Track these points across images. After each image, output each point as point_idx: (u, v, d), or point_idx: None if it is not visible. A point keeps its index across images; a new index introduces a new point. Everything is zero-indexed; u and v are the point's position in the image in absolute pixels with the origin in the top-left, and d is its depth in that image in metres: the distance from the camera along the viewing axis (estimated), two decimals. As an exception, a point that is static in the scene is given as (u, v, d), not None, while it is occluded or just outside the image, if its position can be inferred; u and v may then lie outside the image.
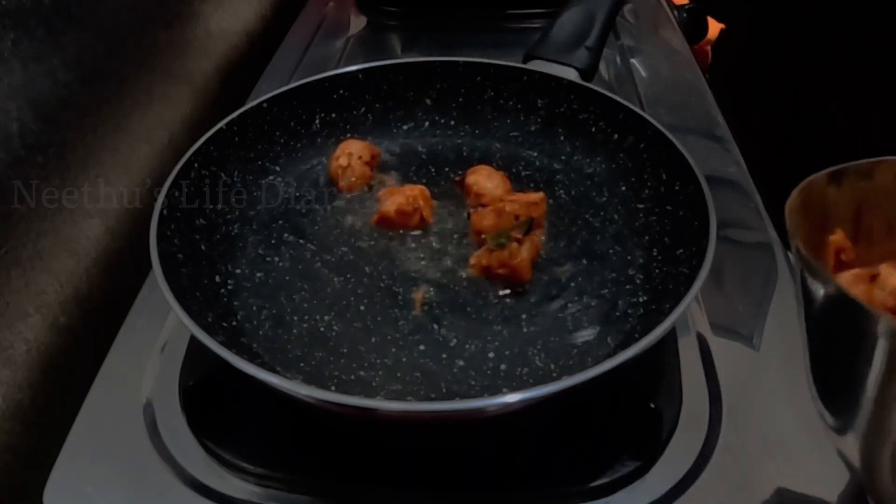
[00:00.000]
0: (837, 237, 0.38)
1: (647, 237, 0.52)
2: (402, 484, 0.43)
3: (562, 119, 0.61)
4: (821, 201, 0.37)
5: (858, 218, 0.39)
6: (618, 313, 0.48)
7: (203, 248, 0.50)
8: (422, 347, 0.46)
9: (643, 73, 0.81)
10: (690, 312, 0.51)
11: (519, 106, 0.63)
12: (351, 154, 0.58)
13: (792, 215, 0.35)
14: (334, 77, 0.61)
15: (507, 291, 0.49)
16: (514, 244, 0.50)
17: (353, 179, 0.58)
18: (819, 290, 0.32)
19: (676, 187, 0.51)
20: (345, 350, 0.46)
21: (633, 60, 0.84)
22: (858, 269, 0.37)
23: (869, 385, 0.31)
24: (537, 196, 0.54)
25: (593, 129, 0.60)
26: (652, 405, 0.44)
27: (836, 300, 0.31)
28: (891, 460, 0.31)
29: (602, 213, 0.56)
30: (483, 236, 0.52)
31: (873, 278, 0.36)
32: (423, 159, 0.62)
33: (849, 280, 0.36)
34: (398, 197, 0.54)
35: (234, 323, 0.48)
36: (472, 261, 0.51)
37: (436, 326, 0.47)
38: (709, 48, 1.17)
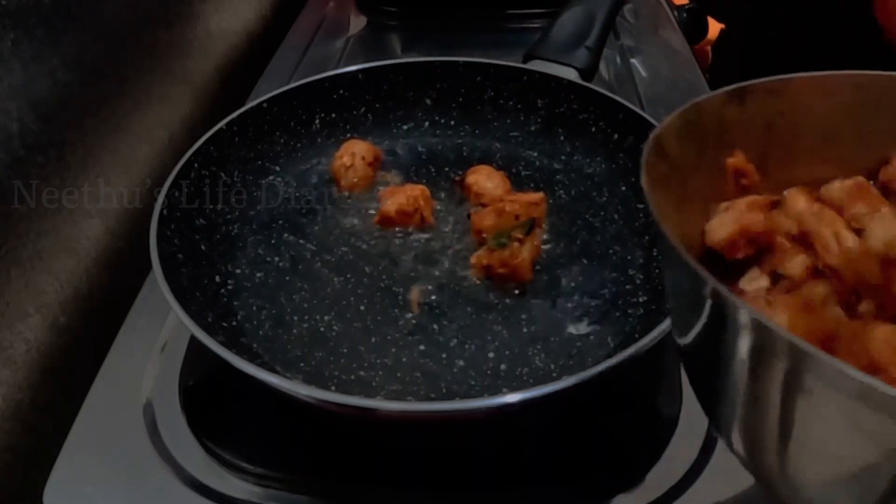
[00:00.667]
0: (736, 160, 0.34)
1: (647, 237, 0.52)
2: (402, 484, 0.43)
3: (562, 119, 0.61)
4: (718, 122, 0.33)
5: (766, 141, 0.34)
6: (618, 313, 0.48)
7: (203, 248, 0.50)
8: (422, 347, 0.46)
9: (643, 73, 0.81)
10: (690, 312, 0.51)
11: (519, 106, 0.63)
12: (354, 154, 0.58)
13: (658, 149, 0.30)
14: (334, 77, 0.61)
15: (507, 291, 0.49)
16: (516, 244, 0.50)
17: (356, 180, 0.58)
18: (671, 257, 0.27)
19: (676, 187, 0.51)
20: (345, 350, 0.46)
21: (633, 60, 0.84)
22: (757, 195, 0.33)
23: (738, 381, 0.26)
24: (537, 196, 0.54)
25: (593, 129, 0.60)
26: (652, 405, 0.44)
27: (691, 276, 0.25)
28: (776, 453, 0.26)
29: (602, 213, 0.56)
30: (484, 236, 0.52)
31: (774, 205, 0.32)
32: (423, 159, 0.62)
33: (742, 208, 0.32)
34: (399, 197, 0.54)
35: (234, 323, 0.48)
36: (473, 260, 0.51)
37: (436, 326, 0.47)
38: (709, 48, 1.17)
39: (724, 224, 0.32)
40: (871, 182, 0.34)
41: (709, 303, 0.25)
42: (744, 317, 0.23)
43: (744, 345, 0.24)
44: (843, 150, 0.35)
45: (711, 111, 0.33)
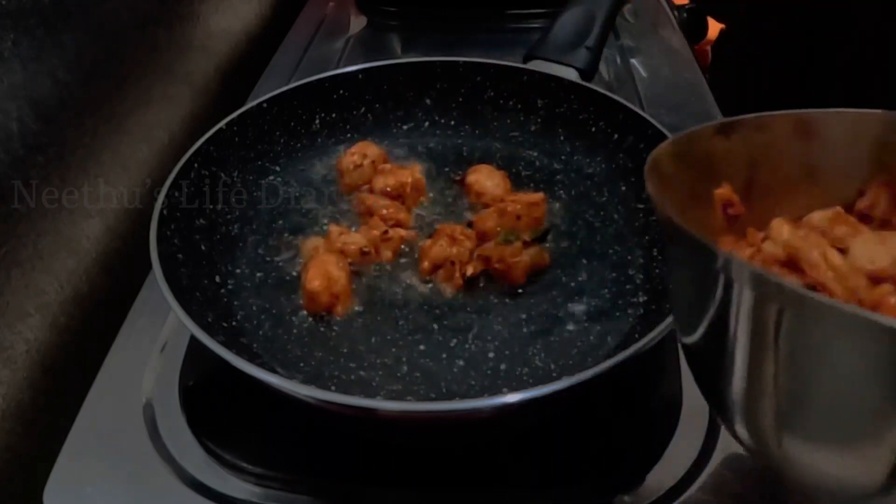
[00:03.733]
0: (724, 191, 0.36)
1: (647, 237, 0.52)
2: (402, 484, 0.43)
3: (562, 119, 0.61)
4: (706, 154, 0.36)
5: (751, 173, 0.37)
6: (618, 313, 0.48)
7: (203, 248, 0.50)
8: (422, 347, 0.46)
9: (643, 73, 0.81)
10: (690, 312, 0.51)
11: (519, 106, 0.63)
12: (366, 156, 0.58)
13: (656, 167, 0.33)
14: (334, 77, 0.61)
15: (507, 291, 0.49)
16: (519, 243, 0.50)
17: (360, 182, 0.58)
18: (672, 239, 0.30)
19: (676, 187, 0.51)
20: (345, 350, 0.46)
21: (633, 60, 0.84)
22: (747, 230, 0.35)
23: (738, 348, 0.28)
24: (537, 196, 0.54)
25: (593, 129, 0.60)
26: (652, 405, 0.44)
27: (689, 245, 0.28)
28: (774, 424, 0.29)
29: (602, 213, 0.56)
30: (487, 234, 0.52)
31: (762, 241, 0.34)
32: (424, 159, 0.62)
33: (729, 244, 0.35)
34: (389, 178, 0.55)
35: (234, 323, 0.48)
36: (477, 251, 0.50)
37: (436, 326, 0.47)
38: (709, 48, 1.17)
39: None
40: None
41: (720, 276, 0.27)
42: (746, 272, 0.26)
43: (746, 302, 0.26)
44: (822, 184, 0.37)
45: (702, 142, 0.36)
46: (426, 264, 0.50)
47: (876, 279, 0.30)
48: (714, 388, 0.32)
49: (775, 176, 0.37)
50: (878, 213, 0.36)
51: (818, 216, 0.35)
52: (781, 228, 0.34)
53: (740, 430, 0.30)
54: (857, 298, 0.30)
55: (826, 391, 0.26)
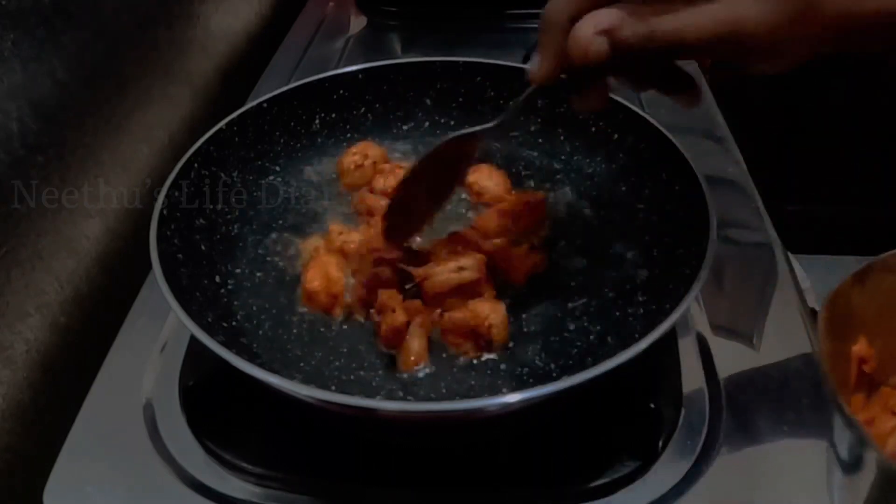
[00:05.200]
0: (860, 347, 0.36)
1: (647, 237, 0.52)
2: (402, 484, 0.43)
3: (562, 119, 0.61)
4: (846, 307, 0.36)
5: (882, 318, 0.37)
6: (618, 313, 0.48)
7: (203, 248, 0.50)
8: (422, 347, 0.46)
9: (643, 73, 0.81)
10: (690, 312, 0.51)
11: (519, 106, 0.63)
12: (366, 156, 0.58)
13: (836, 370, 0.34)
14: (334, 77, 0.61)
15: (507, 291, 0.49)
16: (525, 246, 0.50)
17: (361, 183, 0.58)
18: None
19: (676, 187, 0.51)
20: (345, 350, 0.46)
21: (633, 60, 0.83)
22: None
23: None
24: (538, 196, 0.54)
25: (593, 129, 0.60)
26: (652, 405, 0.44)
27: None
28: None
29: (602, 213, 0.56)
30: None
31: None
32: (424, 159, 0.62)
33: (860, 403, 0.36)
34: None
35: (234, 323, 0.48)
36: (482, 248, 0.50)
37: (436, 326, 0.47)
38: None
39: None
40: None
41: None
42: None
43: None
44: None
45: (844, 297, 0.37)
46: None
47: None
48: None
49: None
50: None
51: None
52: None
53: None
54: None
55: None
